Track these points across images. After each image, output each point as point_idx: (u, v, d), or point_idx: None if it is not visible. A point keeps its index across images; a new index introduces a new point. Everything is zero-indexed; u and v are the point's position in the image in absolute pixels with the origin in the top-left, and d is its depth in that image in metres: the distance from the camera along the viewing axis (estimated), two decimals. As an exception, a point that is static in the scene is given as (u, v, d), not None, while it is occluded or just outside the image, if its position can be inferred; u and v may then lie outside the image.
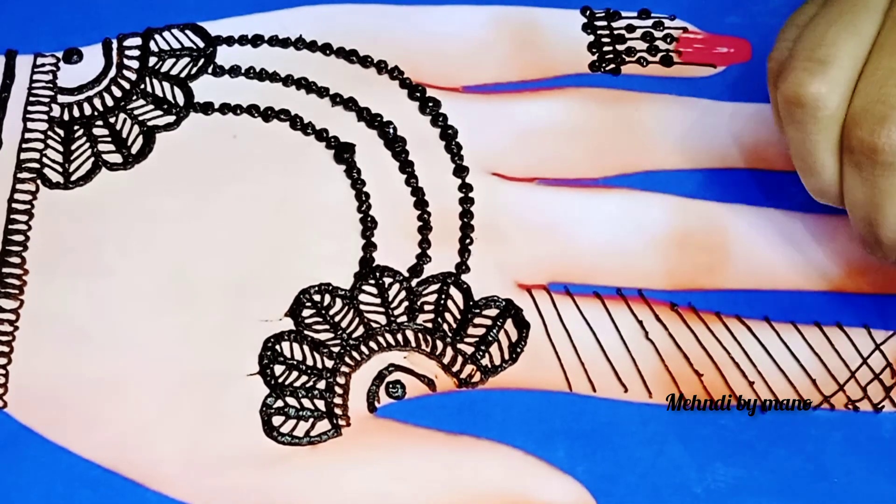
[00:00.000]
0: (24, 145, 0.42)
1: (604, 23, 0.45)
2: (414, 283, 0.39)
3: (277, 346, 0.38)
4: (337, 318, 0.38)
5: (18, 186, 0.41)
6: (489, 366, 0.38)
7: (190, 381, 0.37)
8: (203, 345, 0.38)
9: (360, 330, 0.38)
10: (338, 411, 0.37)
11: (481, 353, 0.38)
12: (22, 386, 0.37)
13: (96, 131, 0.42)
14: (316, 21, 0.45)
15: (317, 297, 0.39)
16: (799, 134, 0.35)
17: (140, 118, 0.42)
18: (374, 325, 0.38)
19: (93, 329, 0.38)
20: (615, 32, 0.45)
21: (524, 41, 0.45)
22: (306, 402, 0.37)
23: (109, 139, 0.42)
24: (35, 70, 0.43)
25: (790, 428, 0.37)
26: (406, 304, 0.39)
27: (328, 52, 0.44)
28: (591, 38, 0.45)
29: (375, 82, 0.44)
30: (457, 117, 0.43)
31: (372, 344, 0.38)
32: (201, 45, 0.44)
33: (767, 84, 0.37)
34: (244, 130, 0.42)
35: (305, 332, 0.38)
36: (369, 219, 0.40)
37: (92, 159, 0.41)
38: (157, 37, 0.44)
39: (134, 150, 0.42)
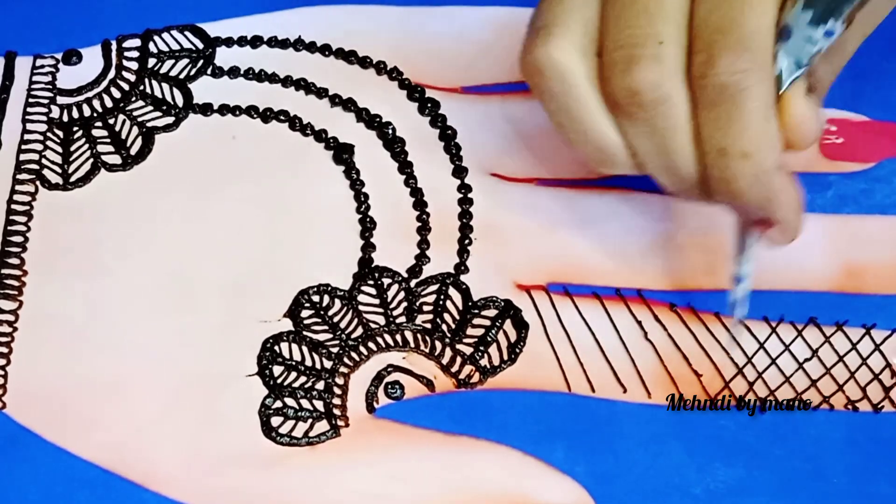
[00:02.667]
0: (23, 147, 0.42)
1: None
2: (413, 283, 0.39)
3: (276, 347, 0.38)
4: (336, 319, 0.38)
5: (18, 188, 0.41)
6: (488, 366, 0.38)
7: (189, 382, 0.37)
8: (202, 345, 0.38)
9: (359, 330, 0.38)
10: (336, 412, 0.37)
11: (480, 354, 0.38)
12: (21, 387, 0.37)
13: (95, 132, 0.42)
14: (315, 22, 0.45)
15: (316, 298, 0.39)
16: (555, 105, 0.34)
17: (139, 119, 0.42)
18: (372, 325, 0.38)
19: (92, 330, 0.38)
20: (614, 32, 0.45)
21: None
22: (305, 403, 0.37)
23: (108, 140, 0.42)
24: (34, 71, 0.43)
25: (790, 428, 0.37)
26: (405, 304, 0.39)
27: (327, 52, 0.44)
28: (591, 37, 0.45)
29: (375, 83, 0.44)
30: (456, 118, 0.43)
31: (371, 344, 0.38)
32: (200, 46, 0.44)
33: None
34: (243, 131, 0.42)
35: (304, 332, 0.38)
36: (368, 219, 0.40)
37: (91, 160, 0.41)
38: (156, 38, 0.44)
39: (133, 152, 0.42)
